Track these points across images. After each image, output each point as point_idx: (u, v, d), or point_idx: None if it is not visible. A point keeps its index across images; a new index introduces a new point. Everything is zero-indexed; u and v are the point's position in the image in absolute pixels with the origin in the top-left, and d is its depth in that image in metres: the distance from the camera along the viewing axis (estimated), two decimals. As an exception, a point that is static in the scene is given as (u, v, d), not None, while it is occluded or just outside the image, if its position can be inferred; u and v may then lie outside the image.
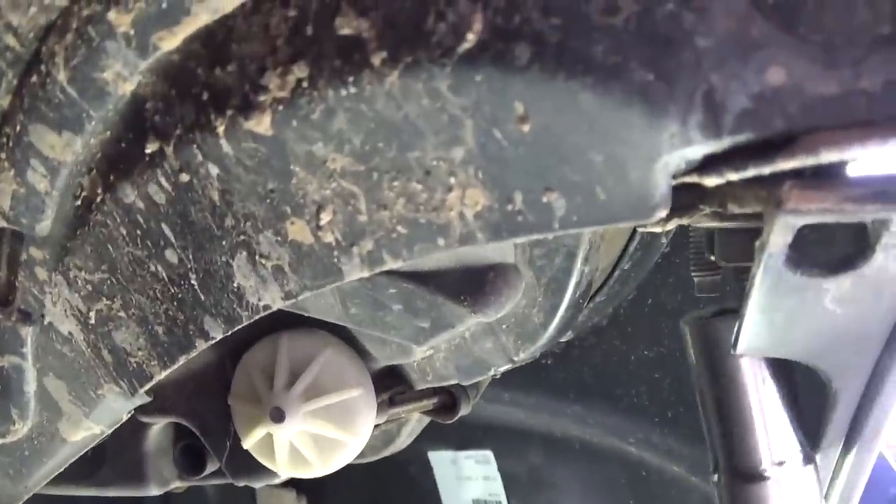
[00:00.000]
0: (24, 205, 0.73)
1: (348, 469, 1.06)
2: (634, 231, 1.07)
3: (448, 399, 1.15)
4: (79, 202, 0.74)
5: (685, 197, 0.66)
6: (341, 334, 1.01)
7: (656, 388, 1.29)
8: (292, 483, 1.87)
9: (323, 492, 1.89)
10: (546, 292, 0.92)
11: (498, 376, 1.10)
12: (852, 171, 0.61)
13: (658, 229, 0.73)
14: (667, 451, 1.33)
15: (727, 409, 0.79)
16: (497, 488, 1.65)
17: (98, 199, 0.73)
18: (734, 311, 0.67)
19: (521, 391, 1.41)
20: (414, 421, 1.26)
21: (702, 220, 0.72)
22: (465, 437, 1.64)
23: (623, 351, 1.30)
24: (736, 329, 0.69)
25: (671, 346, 1.26)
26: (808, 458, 0.80)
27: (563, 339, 1.23)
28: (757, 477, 0.79)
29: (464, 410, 1.14)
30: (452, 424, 1.19)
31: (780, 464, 0.78)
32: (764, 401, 0.79)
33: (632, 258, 1.12)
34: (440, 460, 1.71)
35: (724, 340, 0.77)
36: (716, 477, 0.82)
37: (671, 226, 0.71)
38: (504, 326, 0.96)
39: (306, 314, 0.89)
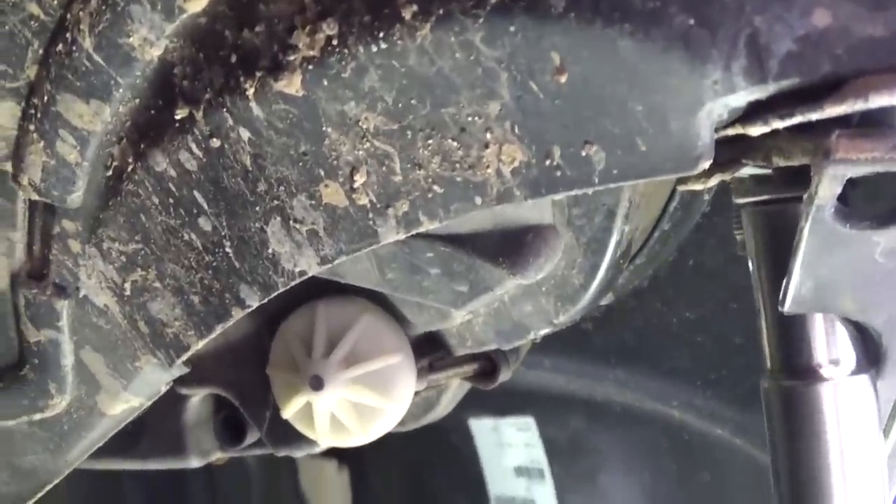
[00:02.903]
0: (54, 177, 0.73)
1: (389, 438, 1.05)
2: (674, 190, 1.06)
3: (488, 365, 1.13)
4: (110, 172, 0.73)
5: (727, 151, 0.65)
6: (379, 301, 1.00)
7: (698, 351, 1.27)
8: (333, 453, 1.88)
9: (364, 461, 1.89)
10: (586, 253, 0.90)
11: (538, 340, 1.09)
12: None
13: (699, 186, 0.71)
14: (709, 413, 1.31)
15: None
16: (538, 455, 1.64)
17: (129, 169, 0.72)
18: (798, 199, 0.64)
19: (562, 356, 1.40)
20: (454, 388, 1.25)
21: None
22: (505, 403, 1.63)
23: (664, 313, 1.28)
24: (784, 285, 0.67)
25: (713, 307, 1.24)
26: (866, 369, 0.75)
27: (604, 303, 1.22)
28: (811, 375, 0.74)
29: (504, 376, 1.13)
30: (493, 391, 1.17)
31: (836, 362, 0.74)
32: None
33: (672, 218, 1.10)
34: (481, 428, 1.71)
35: (787, 228, 0.73)
36: (765, 383, 0.78)
37: (713, 182, 0.69)
38: (544, 289, 0.95)
39: (343, 280, 0.88)
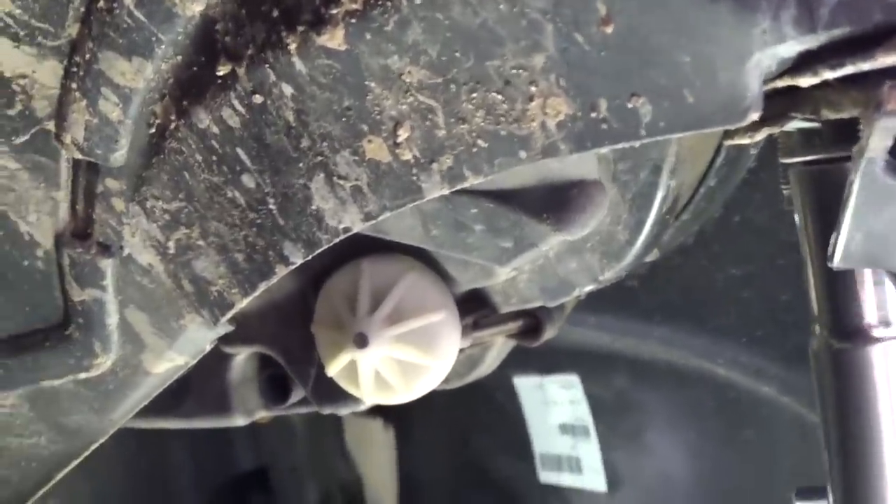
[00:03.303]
0: (97, 135, 0.72)
1: (434, 396, 1.05)
2: (720, 146, 1.05)
3: (532, 322, 1.13)
4: (153, 130, 0.73)
5: (775, 104, 0.64)
6: (423, 258, 1.00)
7: (745, 308, 1.27)
8: (379, 411, 1.89)
9: (409, 419, 1.90)
10: (631, 208, 0.90)
11: (583, 297, 1.09)
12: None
13: (747, 140, 0.70)
14: (756, 371, 1.31)
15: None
16: (583, 412, 1.65)
17: (172, 126, 0.72)
18: (846, 159, 0.63)
19: (607, 314, 1.39)
20: (499, 345, 1.25)
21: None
22: (550, 361, 1.63)
23: (710, 271, 1.27)
24: (833, 239, 0.66)
25: (760, 264, 1.23)
26: None
27: (649, 260, 1.21)
28: (862, 335, 0.73)
29: (549, 333, 1.13)
30: (538, 349, 1.17)
31: (888, 323, 0.73)
32: None
33: (718, 174, 1.09)
34: (525, 385, 1.71)
35: (835, 187, 0.72)
36: (814, 344, 0.77)
37: (761, 136, 0.68)
38: (589, 245, 0.94)
39: (387, 237, 0.88)
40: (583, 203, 0.83)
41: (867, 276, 0.73)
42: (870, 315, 0.74)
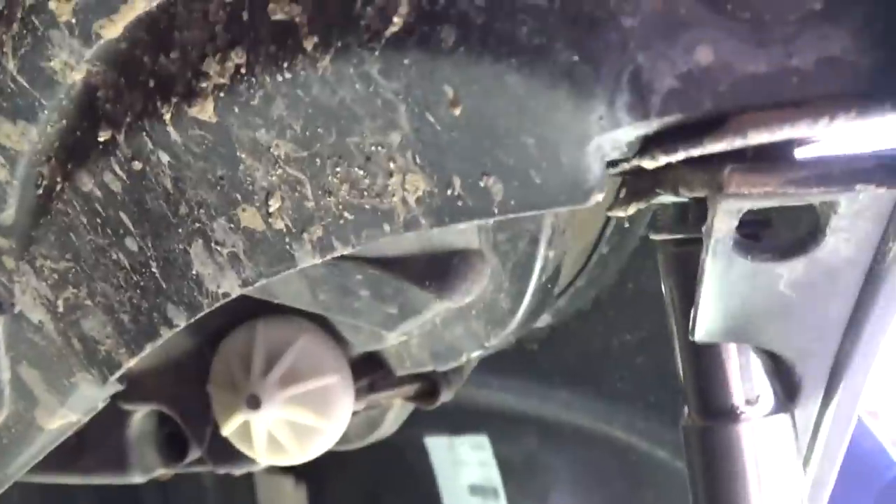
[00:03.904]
0: None
1: (346, 454, 1.06)
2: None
3: (429, 385, 1.15)
4: (40, 191, 0.74)
5: (643, 182, 0.66)
6: (318, 320, 1.01)
7: (638, 373, 1.28)
8: (291, 470, 1.88)
9: (321, 477, 1.90)
10: (512, 277, 0.91)
11: (473, 363, 1.10)
12: (804, 153, 0.60)
13: (621, 213, 0.72)
14: (651, 434, 1.32)
15: (701, 345, 0.74)
16: (493, 474, 1.65)
17: (58, 188, 0.73)
18: None
19: (510, 377, 1.41)
20: (398, 407, 1.26)
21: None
22: (460, 422, 1.64)
23: (606, 336, 1.29)
24: (692, 316, 0.68)
25: (653, 330, 1.25)
26: (784, 407, 0.75)
27: (544, 325, 1.23)
28: (729, 415, 0.74)
29: (444, 397, 1.14)
30: (447, 410, 1.18)
31: (753, 404, 0.74)
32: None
33: (609, 242, 1.11)
34: (437, 446, 1.71)
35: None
36: (684, 421, 0.78)
37: (632, 210, 0.70)
38: (473, 312, 0.96)
39: (276, 301, 0.89)
40: (464, 271, 0.85)
41: (733, 355, 0.74)
42: (736, 394, 0.75)
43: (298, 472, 1.89)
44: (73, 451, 1.10)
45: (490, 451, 1.63)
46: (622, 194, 0.70)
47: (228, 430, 1.00)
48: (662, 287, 0.77)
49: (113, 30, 0.64)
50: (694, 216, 0.73)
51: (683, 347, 0.77)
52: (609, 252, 1.13)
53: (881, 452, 1.59)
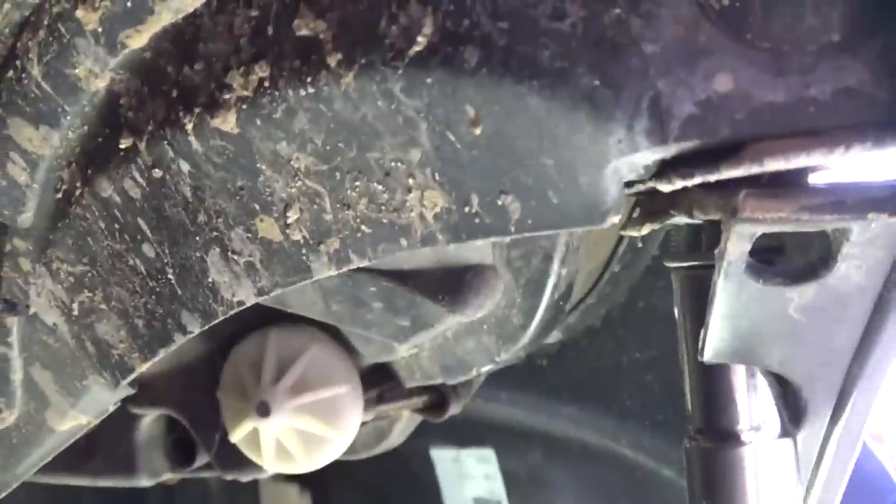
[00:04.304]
0: (5, 196, 0.74)
1: (352, 464, 1.06)
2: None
3: (437, 397, 1.15)
4: (59, 195, 0.75)
5: (658, 203, 0.66)
6: (330, 331, 1.01)
7: (647, 391, 1.29)
8: (296, 477, 1.88)
9: (326, 486, 1.90)
10: (524, 294, 0.92)
11: (482, 377, 1.10)
12: (819, 179, 0.61)
13: (635, 233, 0.73)
14: (658, 453, 1.32)
15: (708, 367, 0.74)
16: (498, 487, 1.65)
17: (77, 193, 0.74)
18: None
19: (518, 391, 1.41)
20: (406, 418, 1.27)
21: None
22: (467, 434, 1.64)
23: (615, 353, 1.29)
24: (702, 336, 0.68)
25: (662, 348, 1.26)
26: (788, 432, 0.75)
27: (554, 341, 1.23)
28: (733, 439, 0.75)
29: (453, 410, 1.14)
30: (454, 422, 1.19)
31: (758, 429, 0.74)
32: (748, 367, 0.75)
33: (621, 260, 1.11)
34: (442, 458, 1.71)
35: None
36: (688, 443, 0.78)
37: (645, 230, 0.70)
38: (485, 327, 0.96)
39: (290, 310, 0.90)
40: (478, 286, 0.85)
41: (740, 379, 0.75)
42: (741, 418, 0.75)
43: (303, 480, 1.89)
44: (82, 453, 1.10)
45: (496, 465, 1.63)
46: (636, 214, 0.70)
47: (237, 436, 1.00)
48: (675, 309, 0.78)
49: (139, 40, 0.65)
50: (708, 240, 0.73)
51: (692, 369, 0.77)
52: (620, 270, 1.13)
53: (884, 476, 1.59)
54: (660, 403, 1.28)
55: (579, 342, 1.30)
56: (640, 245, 1.11)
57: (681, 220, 0.70)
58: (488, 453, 1.63)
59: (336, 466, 1.06)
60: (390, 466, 1.66)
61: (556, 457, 1.54)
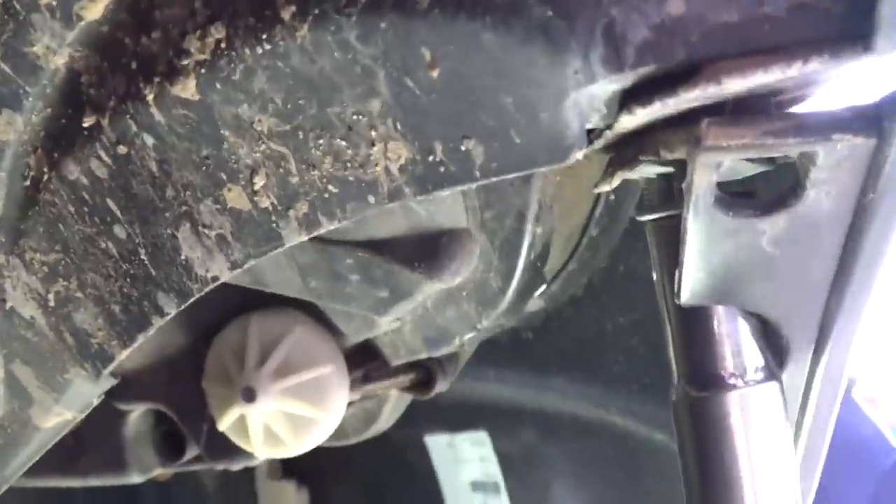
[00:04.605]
0: None
1: (347, 458, 1.06)
2: (598, 196, 1.07)
3: (424, 375, 1.15)
4: (27, 182, 0.74)
5: (627, 150, 0.66)
6: (311, 312, 1.01)
7: (633, 355, 1.29)
8: (293, 474, 1.88)
9: (323, 481, 1.90)
10: (500, 255, 0.92)
11: (468, 353, 1.10)
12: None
13: (607, 187, 0.73)
14: (648, 417, 1.33)
15: (692, 313, 0.74)
16: (493, 469, 1.66)
17: (45, 178, 0.73)
18: None
19: (506, 367, 1.41)
20: (394, 399, 1.26)
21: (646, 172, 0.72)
22: (459, 418, 1.64)
23: (599, 320, 1.29)
24: (677, 276, 0.68)
25: (645, 311, 1.26)
26: (773, 375, 0.74)
27: (538, 309, 1.23)
28: (718, 384, 0.73)
29: (440, 387, 1.14)
30: (446, 406, 1.19)
31: (743, 373, 0.73)
32: (730, 312, 0.73)
33: (599, 224, 1.11)
34: (437, 444, 1.72)
35: None
36: (673, 394, 0.77)
37: (617, 181, 0.71)
38: (464, 293, 0.96)
39: (268, 290, 0.89)
40: (453, 251, 0.85)
41: (721, 323, 0.74)
42: (725, 364, 0.74)
43: (300, 477, 1.90)
44: (70, 453, 1.10)
45: (490, 447, 1.64)
46: (608, 168, 0.70)
47: (225, 424, 1.00)
48: (651, 264, 0.78)
49: (94, 10, 0.65)
50: (679, 188, 0.73)
51: (673, 319, 0.77)
52: (599, 234, 1.13)
53: (880, 438, 1.59)
54: (646, 366, 1.28)
55: (563, 312, 1.30)
56: (612, 198, 1.10)
57: (651, 168, 0.70)
58: (482, 436, 1.63)
59: (332, 460, 1.06)
60: (386, 457, 1.66)
61: (549, 434, 1.54)
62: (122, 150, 0.68)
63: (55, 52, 0.67)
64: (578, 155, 0.57)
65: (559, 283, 1.16)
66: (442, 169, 0.60)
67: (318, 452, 1.07)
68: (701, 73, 0.53)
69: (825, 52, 0.51)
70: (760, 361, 0.74)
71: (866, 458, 1.59)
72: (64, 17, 0.65)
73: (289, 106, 0.62)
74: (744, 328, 0.74)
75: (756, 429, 0.73)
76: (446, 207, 0.84)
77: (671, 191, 0.75)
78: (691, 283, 0.68)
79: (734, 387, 0.74)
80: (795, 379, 0.75)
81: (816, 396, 0.76)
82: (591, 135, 0.60)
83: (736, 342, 0.74)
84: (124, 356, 0.81)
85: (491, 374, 1.42)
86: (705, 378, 0.74)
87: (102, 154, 0.69)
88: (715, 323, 0.74)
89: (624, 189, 1.10)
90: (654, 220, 0.76)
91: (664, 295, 0.77)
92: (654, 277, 0.78)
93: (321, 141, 0.63)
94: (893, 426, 1.62)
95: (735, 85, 0.52)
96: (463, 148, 0.59)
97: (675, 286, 0.68)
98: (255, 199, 0.67)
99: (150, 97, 0.65)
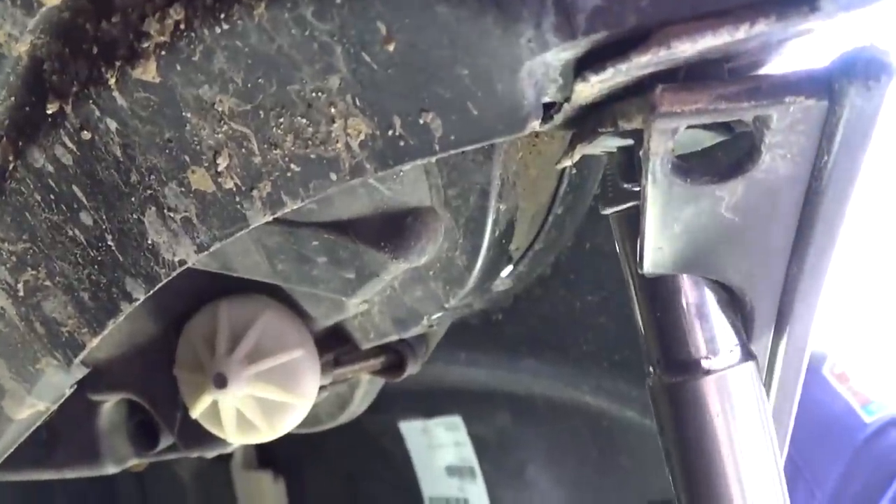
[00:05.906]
0: None
1: (323, 446, 1.07)
2: (563, 174, 1.08)
3: (395, 358, 1.16)
4: (-7, 172, 0.74)
5: (586, 123, 0.67)
6: (281, 297, 1.02)
7: (602, 333, 1.29)
8: (269, 464, 1.89)
9: (300, 470, 1.90)
10: (465, 233, 0.92)
11: (438, 336, 1.11)
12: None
13: (569, 161, 0.73)
14: (619, 395, 1.33)
15: (660, 297, 0.74)
16: (468, 453, 1.67)
17: (11, 167, 0.73)
18: None
19: (477, 350, 1.41)
20: (366, 383, 1.27)
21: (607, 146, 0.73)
22: (433, 404, 1.65)
23: (567, 299, 1.30)
24: (639, 246, 0.69)
25: (613, 288, 1.27)
26: (749, 355, 0.74)
27: (507, 290, 1.23)
28: (692, 369, 0.73)
29: (411, 368, 1.15)
30: (419, 392, 1.19)
31: (716, 353, 0.73)
32: (698, 292, 0.74)
33: (563, 202, 1.12)
34: (411, 430, 1.72)
35: None
36: (649, 381, 0.77)
37: (578, 154, 0.71)
38: (431, 273, 0.97)
39: (235, 274, 0.90)
40: (419, 230, 0.86)
41: (692, 309, 0.74)
42: (698, 348, 0.74)
43: (277, 467, 1.90)
44: (45, 446, 1.10)
45: (464, 431, 1.64)
46: (570, 144, 0.71)
47: (197, 411, 1.00)
48: (616, 247, 0.78)
49: None
50: (639, 161, 0.74)
51: (643, 306, 0.77)
52: (564, 213, 1.14)
53: (851, 414, 1.60)
54: (616, 344, 1.29)
55: (532, 292, 1.31)
56: (575, 174, 1.10)
57: (611, 141, 0.71)
58: (456, 420, 1.64)
59: (308, 449, 1.06)
60: (361, 444, 1.67)
61: (522, 416, 1.55)
62: (86, 135, 0.69)
63: (17, 39, 0.67)
64: (535, 125, 0.58)
65: (527, 262, 1.17)
66: (402, 143, 0.61)
67: (294, 441, 1.07)
68: (651, 38, 0.53)
69: (772, 14, 0.52)
70: (734, 340, 0.74)
71: (838, 434, 1.60)
72: (24, 4, 0.65)
73: (249, 85, 0.63)
74: (712, 302, 0.74)
75: (734, 411, 0.73)
76: (410, 186, 0.85)
77: (632, 165, 0.75)
78: (653, 252, 0.69)
79: (709, 370, 0.73)
80: (761, 348, 0.76)
81: (781, 365, 0.77)
82: (551, 109, 0.61)
83: (707, 326, 0.74)
84: (95, 344, 0.81)
85: (462, 356, 1.43)
86: (679, 364, 0.75)
87: (67, 140, 0.69)
88: (685, 303, 0.74)
89: (587, 167, 1.11)
90: (616, 212, 0.76)
91: (632, 281, 0.77)
92: (622, 263, 0.79)
93: (282, 119, 0.63)
94: (864, 402, 1.63)
95: (686, 49, 0.53)
96: (421, 121, 0.60)
97: (638, 255, 0.69)
98: (219, 180, 0.67)
99: (112, 81, 0.65)
